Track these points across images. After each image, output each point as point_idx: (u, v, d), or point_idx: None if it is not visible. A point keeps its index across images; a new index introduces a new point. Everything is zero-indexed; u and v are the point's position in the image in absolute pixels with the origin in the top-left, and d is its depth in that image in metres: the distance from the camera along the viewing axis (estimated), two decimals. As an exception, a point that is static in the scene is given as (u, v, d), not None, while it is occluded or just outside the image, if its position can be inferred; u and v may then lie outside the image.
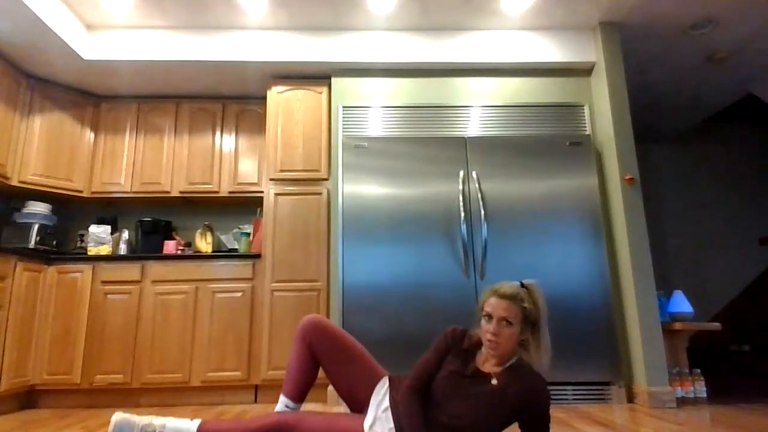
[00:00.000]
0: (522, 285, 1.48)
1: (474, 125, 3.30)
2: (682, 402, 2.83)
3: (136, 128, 3.64)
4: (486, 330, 1.43)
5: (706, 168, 5.13)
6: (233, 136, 3.68)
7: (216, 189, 3.57)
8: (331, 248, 3.15)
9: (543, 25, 3.36)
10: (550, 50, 3.36)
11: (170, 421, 1.51)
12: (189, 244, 3.68)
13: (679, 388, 2.87)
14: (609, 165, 3.17)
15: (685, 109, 4.51)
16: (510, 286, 1.47)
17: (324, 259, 3.15)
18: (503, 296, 1.43)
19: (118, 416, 1.51)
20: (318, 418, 1.47)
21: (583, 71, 3.42)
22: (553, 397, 2.77)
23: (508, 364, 1.44)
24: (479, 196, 3.03)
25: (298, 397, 1.62)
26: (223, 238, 3.76)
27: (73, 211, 3.76)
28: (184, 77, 3.48)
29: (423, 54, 3.34)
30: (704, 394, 2.89)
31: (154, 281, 3.12)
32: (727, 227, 4.98)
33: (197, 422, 1.51)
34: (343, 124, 3.27)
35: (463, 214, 2.97)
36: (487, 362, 1.46)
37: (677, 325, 2.95)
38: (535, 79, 3.41)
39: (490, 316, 1.43)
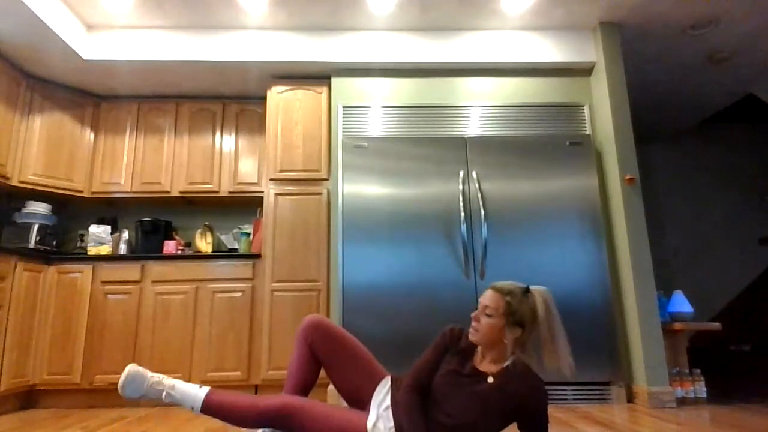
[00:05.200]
0: (528, 288, 1.48)
1: (474, 125, 3.30)
2: (682, 402, 2.83)
3: (136, 128, 3.64)
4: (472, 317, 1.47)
5: (706, 168, 5.13)
6: (233, 136, 3.68)
7: (216, 189, 3.57)
8: (331, 248, 3.15)
9: (543, 25, 3.36)
10: (549, 50, 3.36)
11: (179, 383, 1.55)
12: (189, 244, 3.68)
13: (679, 388, 2.87)
14: (609, 165, 3.17)
15: (685, 109, 4.51)
16: (509, 282, 1.50)
17: (324, 259, 3.15)
18: (493, 287, 1.48)
19: (131, 368, 1.55)
20: (323, 406, 1.49)
21: (583, 71, 3.42)
22: (553, 397, 2.77)
23: (505, 364, 1.45)
24: (479, 196, 3.03)
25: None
26: (223, 238, 3.76)
27: (73, 211, 3.76)
28: (184, 77, 3.48)
29: (423, 54, 3.34)
30: (704, 394, 2.89)
31: (154, 281, 3.12)
32: (727, 227, 4.99)
33: (206, 390, 1.54)
34: (343, 124, 3.27)
35: (463, 214, 2.97)
36: (484, 361, 1.47)
37: (677, 325, 2.95)
38: (535, 79, 3.41)
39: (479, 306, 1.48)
